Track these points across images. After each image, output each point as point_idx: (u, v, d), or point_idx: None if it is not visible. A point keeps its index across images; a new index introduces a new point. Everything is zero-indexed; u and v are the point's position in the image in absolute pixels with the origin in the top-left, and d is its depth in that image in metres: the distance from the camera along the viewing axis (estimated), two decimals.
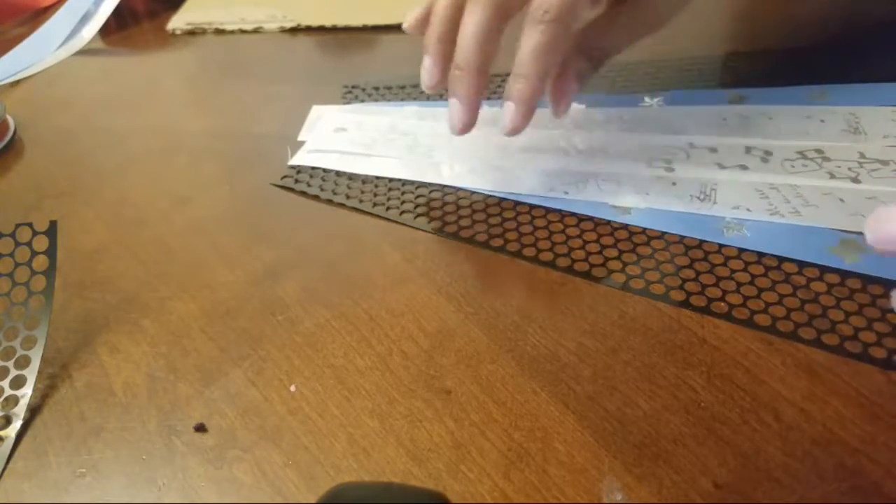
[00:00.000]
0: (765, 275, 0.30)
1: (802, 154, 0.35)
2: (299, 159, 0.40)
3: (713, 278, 0.30)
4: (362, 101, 0.45)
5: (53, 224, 0.30)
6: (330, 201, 0.37)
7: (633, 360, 0.27)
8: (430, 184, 0.37)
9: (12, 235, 0.30)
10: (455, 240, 0.34)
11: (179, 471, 0.25)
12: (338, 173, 0.39)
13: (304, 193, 0.38)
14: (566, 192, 0.35)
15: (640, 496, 0.23)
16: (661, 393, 0.26)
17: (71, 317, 0.32)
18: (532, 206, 0.35)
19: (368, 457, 0.25)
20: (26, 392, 0.28)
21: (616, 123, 0.39)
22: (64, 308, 0.32)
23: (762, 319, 0.28)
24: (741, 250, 0.31)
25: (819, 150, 0.35)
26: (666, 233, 0.33)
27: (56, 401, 0.28)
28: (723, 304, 0.29)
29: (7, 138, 0.44)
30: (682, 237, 0.32)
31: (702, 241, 0.32)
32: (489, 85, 0.44)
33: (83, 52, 0.54)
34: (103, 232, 0.37)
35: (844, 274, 0.29)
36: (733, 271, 0.30)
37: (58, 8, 0.57)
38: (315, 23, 0.55)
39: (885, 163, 0.34)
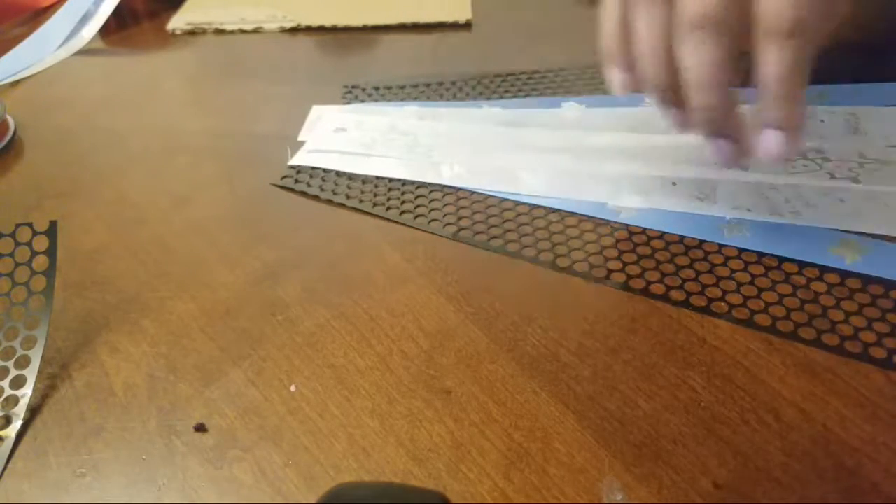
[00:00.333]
0: (765, 275, 0.30)
1: (802, 154, 0.35)
2: (299, 159, 0.40)
3: (713, 278, 0.30)
4: (362, 101, 0.45)
5: (53, 224, 0.30)
6: (330, 201, 0.37)
7: (633, 360, 0.27)
8: (430, 184, 0.37)
9: (12, 235, 0.30)
10: (455, 240, 0.34)
11: (179, 471, 0.25)
12: (338, 173, 0.39)
13: (304, 193, 0.38)
14: (566, 192, 0.35)
15: (640, 496, 0.23)
16: (661, 393, 0.26)
17: (71, 317, 0.32)
18: (532, 206, 0.35)
19: (368, 457, 0.25)
20: (26, 392, 0.28)
21: (616, 123, 0.39)
22: (64, 308, 0.32)
23: (762, 319, 0.28)
24: (741, 250, 0.31)
25: (819, 150, 0.35)
26: (666, 233, 0.33)
27: (56, 401, 0.28)
28: (723, 304, 0.29)
29: (7, 138, 0.44)
30: (682, 237, 0.32)
31: (702, 241, 0.32)
32: (491, 86, 0.44)
33: (83, 52, 0.54)
34: (103, 232, 0.37)
35: (844, 274, 0.30)
36: (733, 271, 0.30)
37: (58, 8, 0.57)
38: (315, 23, 0.55)
39: (885, 163, 0.34)
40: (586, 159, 0.37)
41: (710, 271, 0.31)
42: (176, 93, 0.49)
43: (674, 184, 0.35)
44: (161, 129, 0.45)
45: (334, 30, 0.54)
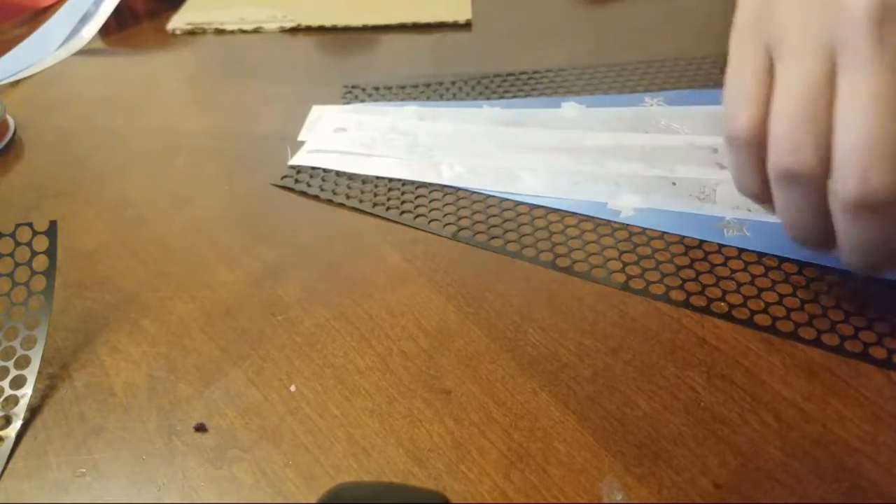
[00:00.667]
0: (765, 275, 0.30)
1: None
2: (299, 159, 0.40)
3: (713, 278, 0.30)
4: (362, 101, 0.45)
5: (53, 224, 0.30)
6: (330, 201, 0.37)
7: (633, 360, 0.27)
8: (430, 184, 0.37)
9: (12, 235, 0.30)
10: (455, 240, 0.34)
11: (179, 471, 0.25)
12: (338, 173, 0.39)
13: (304, 193, 0.38)
14: (566, 192, 0.35)
15: (640, 496, 0.23)
16: (661, 393, 0.26)
17: (71, 317, 0.32)
18: (532, 206, 0.35)
19: (368, 457, 0.25)
20: (26, 392, 0.28)
21: (616, 123, 0.39)
22: (64, 308, 0.32)
23: (762, 319, 0.28)
24: (741, 250, 0.31)
25: None
26: (666, 233, 0.33)
27: (56, 401, 0.28)
28: (723, 304, 0.29)
29: (7, 138, 0.44)
30: (682, 237, 0.32)
31: (702, 241, 0.32)
32: (491, 86, 0.44)
33: (83, 52, 0.54)
34: (103, 232, 0.37)
35: (844, 274, 0.29)
36: (733, 271, 0.30)
37: (58, 8, 0.57)
38: (315, 23, 0.55)
39: None
40: (586, 159, 0.37)
41: (710, 271, 0.31)
42: (176, 93, 0.49)
43: (674, 184, 0.35)
44: (161, 129, 0.45)
45: (334, 30, 0.54)
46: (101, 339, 0.31)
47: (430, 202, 0.36)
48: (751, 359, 0.27)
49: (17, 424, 0.27)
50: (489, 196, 0.36)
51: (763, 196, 0.27)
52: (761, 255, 0.31)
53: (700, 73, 0.44)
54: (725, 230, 0.32)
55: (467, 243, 0.34)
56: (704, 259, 0.31)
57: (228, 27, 0.56)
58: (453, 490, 0.24)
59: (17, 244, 0.30)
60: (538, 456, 0.25)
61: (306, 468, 0.25)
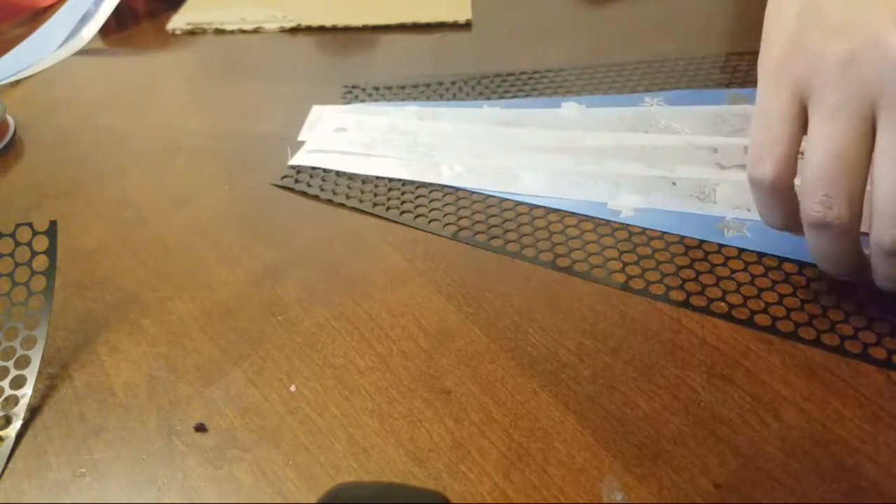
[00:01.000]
0: (765, 275, 0.30)
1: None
2: (299, 159, 0.40)
3: (713, 278, 0.30)
4: (362, 101, 0.45)
5: (53, 224, 0.30)
6: (330, 201, 0.37)
7: (633, 360, 0.27)
8: (430, 184, 0.37)
9: (12, 235, 0.30)
10: (455, 240, 0.34)
11: (179, 471, 0.25)
12: (338, 173, 0.39)
13: (304, 193, 0.38)
14: (566, 193, 0.35)
15: (640, 496, 0.23)
16: (661, 393, 0.26)
17: (71, 317, 0.32)
18: (532, 206, 0.35)
19: (368, 457, 0.25)
20: (26, 392, 0.28)
21: (616, 123, 0.39)
22: (64, 308, 0.32)
23: (762, 319, 0.28)
24: (741, 250, 0.31)
25: None
26: (666, 233, 0.33)
27: (56, 401, 0.28)
28: (723, 304, 0.29)
29: (7, 138, 0.44)
30: (682, 237, 0.32)
31: (702, 241, 0.32)
32: (491, 86, 0.44)
33: (83, 52, 0.54)
34: (103, 232, 0.37)
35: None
36: (733, 271, 0.30)
37: (58, 8, 0.57)
38: (315, 23, 0.55)
39: None
40: (586, 159, 0.37)
41: (710, 271, 0.31)
42: (176, 93, 0.49)
43: (674, 184, 0.35)
44: (161, 129, 0.45)
45: (334, 30, 0.54)
46: (101, 339, 0.31)
47: (430, 202, 0.36)
48: (751, 359, 0.27)
49: (17, 424, 0.27)
50: (489, 196, 0.36)
51: (789, 229, 0.28)
52: (761, 255, 0.31)
53: (700, 73, 0.44)
54: (725, 230, 0.32)
55: (467, 243, 0.34)
56: (704, 259, 0.31)
57: (228, 27, 0.56)
58: (453, 490, 0.24)
59: (17, 244, 0.30)
60: (538, 456, 0.25)
61: (306, 468, 0.25)
